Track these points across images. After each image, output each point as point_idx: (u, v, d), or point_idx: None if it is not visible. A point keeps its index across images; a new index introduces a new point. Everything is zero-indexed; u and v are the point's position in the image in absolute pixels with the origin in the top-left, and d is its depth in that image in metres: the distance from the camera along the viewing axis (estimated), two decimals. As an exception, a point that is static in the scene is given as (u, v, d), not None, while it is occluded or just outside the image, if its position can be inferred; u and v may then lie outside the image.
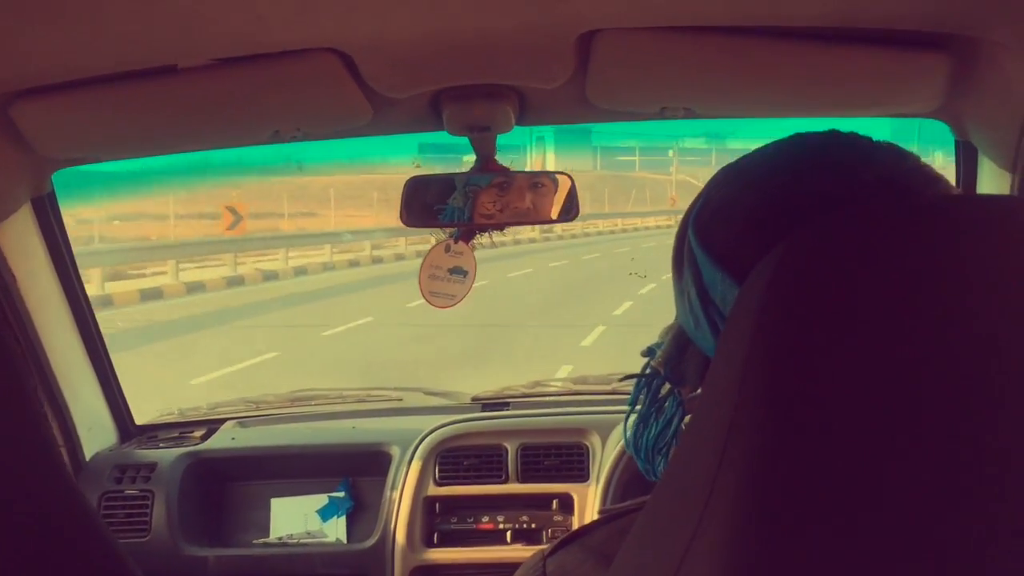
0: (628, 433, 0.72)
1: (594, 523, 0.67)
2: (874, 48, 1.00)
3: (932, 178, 0.56)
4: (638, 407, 0.70)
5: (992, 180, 1.15)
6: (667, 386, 0.68)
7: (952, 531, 0.38)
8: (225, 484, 1.72)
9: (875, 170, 0.55)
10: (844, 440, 0.38)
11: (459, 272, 1.29)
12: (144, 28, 0.90)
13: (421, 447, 1.67)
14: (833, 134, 0.59)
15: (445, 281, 1.29)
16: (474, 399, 1.90)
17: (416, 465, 1.65)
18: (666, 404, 0.69)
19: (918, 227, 0.40)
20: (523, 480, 1.64)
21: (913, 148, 0.61)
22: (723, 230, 0.58)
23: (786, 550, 0.38)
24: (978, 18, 0.93)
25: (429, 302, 1.29)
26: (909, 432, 0.38)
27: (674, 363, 0.66)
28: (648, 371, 0.69)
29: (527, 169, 1.38)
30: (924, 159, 0.58)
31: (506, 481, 1.64)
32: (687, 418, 0.66)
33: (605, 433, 1.64)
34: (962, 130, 1.18)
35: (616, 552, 0.55)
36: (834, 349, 0.38)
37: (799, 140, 0.59)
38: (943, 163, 1.25)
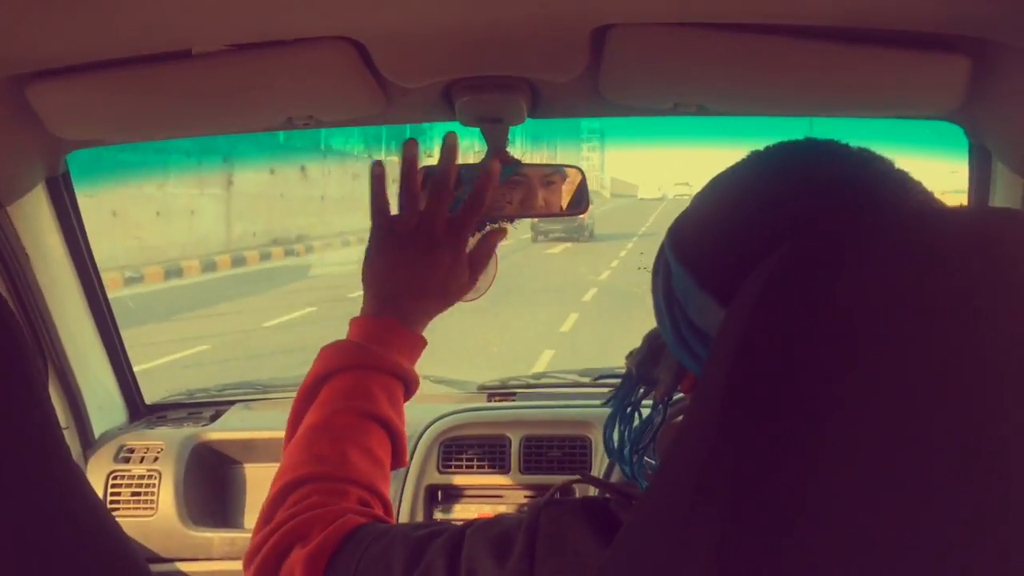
0: (606, 435, 0.73)
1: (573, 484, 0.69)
2: (891, 48, 1.00)
3: (904, 184, 0.56)
4: (621, 408, 0.71)
5: (1005, 186, 1.14)
6: (643, 389, 0.69)
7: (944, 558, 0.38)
8: (232, 466, 1.74)
9: (840, 177, 0.56)
10: (829, 470, 0.38)
11: None
12: (159, 12, 0.90)
13: (425, 435, 1.68)
14: (804, 142, 0.61)
15: None
16: (480, 388, 1.91)
17: (419, 453, 1.65)
18: (640, 406, 0.70)
19: (894, 247, 0.40)
20: (525, 472, 1.64)
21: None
22: (690, 235, 0.62)
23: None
24: (998, 21, 0.92)
25: None
26: (900, 456, 0.37)
27: (647, 365, 0.68)
28: (625, 370, 0.71)
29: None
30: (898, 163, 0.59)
31: (508, 472, 1.65)
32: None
33: (609, 427, 1.64)
34: (977, 134, 1.17)
35: (602, 523, 0.59)
36: (817, 374, 0.38)
37: (768, 152, 0.62)
38: (954, 167, 1.25)
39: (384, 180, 0.96)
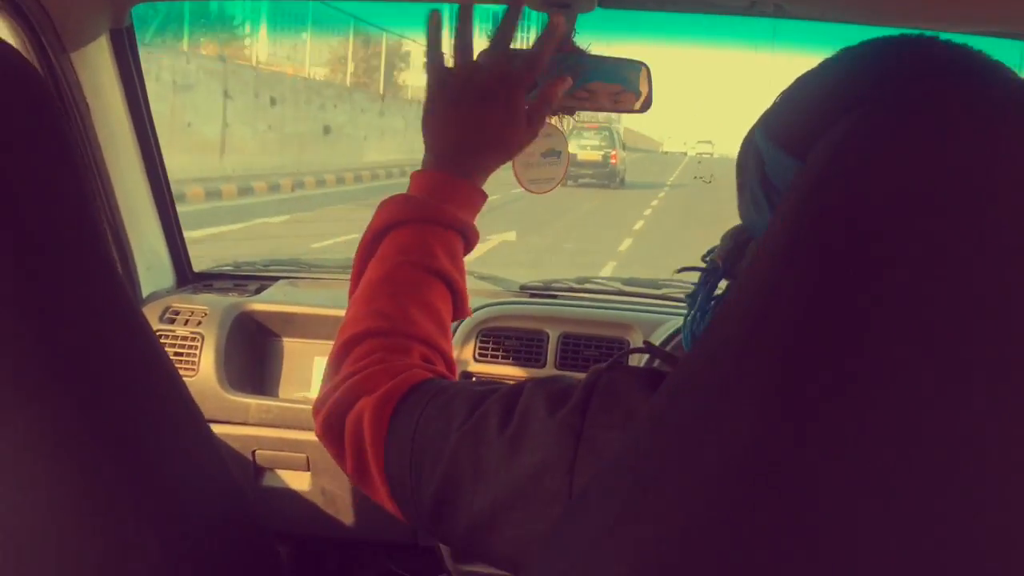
0: (686, 329, 0.73)
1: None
2: None
3: (1010, 75, 0.55)
4: (705, 301, 0.71)
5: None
6: (723, 285, 0.69)
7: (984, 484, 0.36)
8: (272, 338, 1.78)
9: (944, 58, 0.55)
10: (889, 327, 0.36)
11: (553, 154, 1.26)
12: None
13: (464, 324, 1.70)
14: (899, 36, 0.59)
15: (540, 166, 1.26)
16: (523, 287, 1.92)
17: (457, 339, 1.67)
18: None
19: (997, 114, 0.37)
20: (561, 367, 1.65)
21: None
22: (787, 117, 0.60)
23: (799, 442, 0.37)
24: None
25: (530, 191, 1.25)
26: (954, 359, 0.35)
27: (733, 258, 0.67)
28: (708, 265, 0.70)
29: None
30: None
31: (544, 366, 1.66)
32: None
33: (648, 331, 1.64)
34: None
35: (658, 387, 0.58)
36: (897, 229, 0.36)
37: (862, 44, 0.60)
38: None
39: (440, 29, 0.93)
